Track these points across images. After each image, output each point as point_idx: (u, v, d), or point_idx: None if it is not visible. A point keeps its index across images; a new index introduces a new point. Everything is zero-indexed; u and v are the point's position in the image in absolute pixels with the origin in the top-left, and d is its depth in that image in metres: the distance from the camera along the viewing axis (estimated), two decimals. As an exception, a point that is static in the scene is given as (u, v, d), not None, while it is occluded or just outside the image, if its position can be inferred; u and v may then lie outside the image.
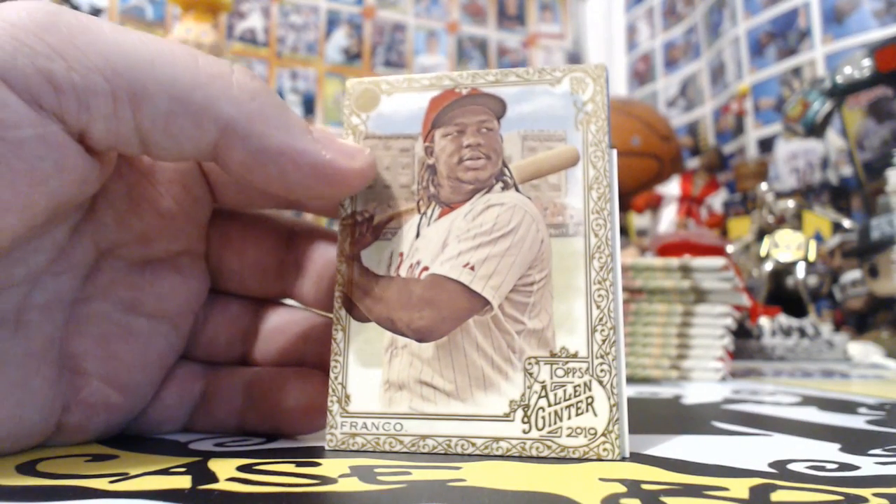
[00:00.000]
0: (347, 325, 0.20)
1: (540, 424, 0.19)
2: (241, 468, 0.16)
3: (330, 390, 0.20)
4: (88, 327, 0.19)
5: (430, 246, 0.20)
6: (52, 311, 0.18)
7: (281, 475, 0.16)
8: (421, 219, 0.21)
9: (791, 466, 0.17)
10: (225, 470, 0.16)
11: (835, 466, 0.17)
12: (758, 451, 0.20)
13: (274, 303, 0.23)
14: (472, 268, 0.20)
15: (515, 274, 0.19)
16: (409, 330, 0.20)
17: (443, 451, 0.19)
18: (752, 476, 0.16)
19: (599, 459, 0.18)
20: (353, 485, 0.15)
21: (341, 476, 0.16)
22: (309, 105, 1.81)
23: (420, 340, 0.20)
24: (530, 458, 0.18)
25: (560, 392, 0.19)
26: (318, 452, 0.19)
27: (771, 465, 0.17)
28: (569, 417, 0.18)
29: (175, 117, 0.17)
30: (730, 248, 1.00)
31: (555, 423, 0.18)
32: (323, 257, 0.22)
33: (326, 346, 0.21)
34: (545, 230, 0.20)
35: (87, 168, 0.17)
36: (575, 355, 0.19)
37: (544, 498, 0.14)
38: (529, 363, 0.19)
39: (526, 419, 0.19)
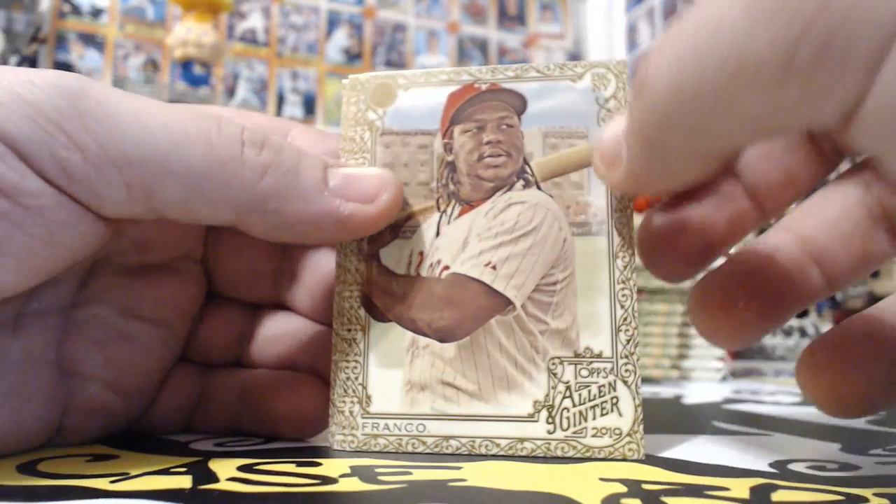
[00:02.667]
0: (367, 325, 0.20)
1: (565, 425, 0.18)
2: (241, 468, 0.16)
3: (350, 391, 0.20)
4: (86, 332, 0.19)
5: (450, 245, 0.20)
6: (50, 316, 0.19)
7: (281, 475, 0.16)
8: (441, 217, 0.20)
9: (792, 466, 0.17)
10: (225, 470, 0.16)
11: (835, 466, 0.17)
12: (758, 450, 0.20)
13: (270, 307, 0.23)
14: (494, 267, 0.19)
15: (538, 273, 0.19)
16: (430, 330, 0.20)
17: (467, 452, 0.19)
18: (752, 476, 0.16)
19: (625, 459, 0.18)
20: (354, 485, 0.15)
21: (342, 476, 0.16)
22: (309, 105, 1.81)
23: (441, 340, 0.19)
24: (555, 459, 0.18)
25: (585, 392, 0.19)
26: (319, 452, 0.19)
27: (771, 464, 0.17)
28: (594, 418, 0.18)
29: (189, 203, 0.17)
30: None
31: (580, 423, 0.18)
32: (318, 267, 0.22)
33: (320, 353, 0.20)
34: (568, 229, 0.19)
35: (102, 230, 0.17)
36: (599, 355, 0.19)
37: (544, 498, 0.14)
38: (553, 363, 0.19)
39: (550, 420, 0.19)
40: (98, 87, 0.16)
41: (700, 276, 0.19)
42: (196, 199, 0.17)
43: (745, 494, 0.14)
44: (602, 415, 0.18)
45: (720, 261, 0.19)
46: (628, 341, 0.19)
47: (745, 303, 0.18)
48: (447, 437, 0.19)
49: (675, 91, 0.13)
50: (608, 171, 0.17)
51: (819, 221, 0.18)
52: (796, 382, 0.18)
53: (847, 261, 0.18)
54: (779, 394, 0.38)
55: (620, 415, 0.18)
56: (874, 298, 0.88)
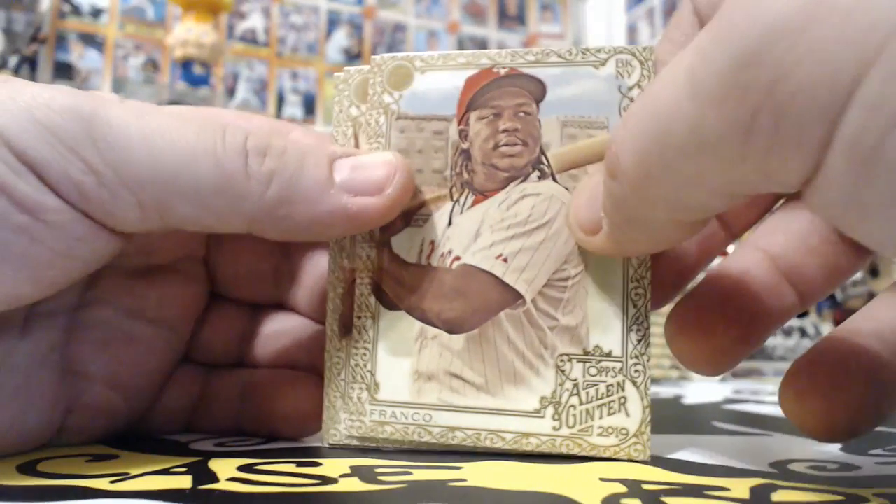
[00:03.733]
0: (377, 313, 0.20)
1: (571, 422, 0.18)
2: (241, 468, 0.16)
3: (359, 377, 0.20)
4: (91, 333, 0.20)
5: (462, 235, 0.20)
6: (55, 317, 0.19)
7: (281, 475, 0.16)
8: (454, 206, 0.20)
9: (792, 466, 0.17)
10: (225, 470, 0.16)
11: (835, 466, 0.17)
12: (758, 450, 0.20)
13: (271, 307, 0.23)
14: (505, 259, 0.19)
15: (550, 268, 0.19)
16: (439, 320, 0.19)
17: (472, 445, 0.19)
18: (752, 476, 0.16)
19: (630, 460, 0.18)
20: (354, 485, 0.15)
21: (342, 476, 0.16)
22: (309, 105, 1.81)
23: (450, 331, 0.19)
24: (559, 456, 0.18)
25: (592, 391, 0.18)
26: (319, 452, 0.19)
27: (772, 464, 0.17)
28: (600, 417, 0.18)
29: (200, 218, 0.17)
30: (730, 248, 1.00)
31: (586, 421, 0.18)
32: (317, 267, 0.22)
33: (320, 351, 0.20)
34: None
35: (117, 243, 0.17)
36: (609, 354, 0.18)
37: (545, 498, 0.14)
38: (562, 360, 0.19)
39: (556, 416, 0.18)
40: (109, 109, 0.17)
41: (674, 302, 0.19)
42: (208, 214, 0.17)
43: (745, 494, 0.14)
44: (609, 414, 0.18)
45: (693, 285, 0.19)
46: (639, 341, 0.18)
47: (723, 328, 0.18)
48: (453, 429, 0.19)
49: (644, 173, 0.14)
50: (588, 240, 0.17)
51: (787, 237, 0.18)
52: (782, 410, 0.18)
53: (817, 275, 0.18)
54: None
55: (628, 415, 0.18)
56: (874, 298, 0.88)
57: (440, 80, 0.20)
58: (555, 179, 0.19)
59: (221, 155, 0.17)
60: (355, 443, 0.20)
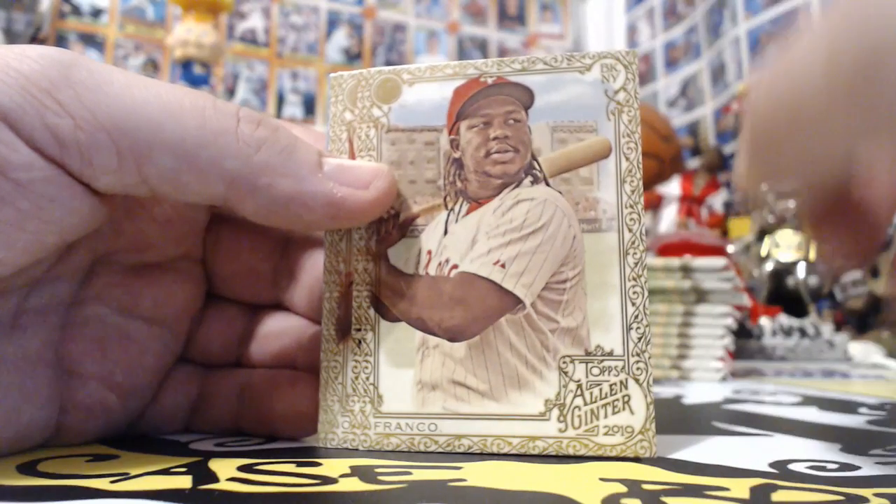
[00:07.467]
0: (377, 325, 0.20)
1: (576, 423, 0.18)
2: (241, 468, 0.16)
3: (361, 390, 0.20)
4: (85, 330, 0.19)
5: (458, 243, 0.20)
6: (48, 314, 0.19)
7: (281, 475, 0.16)
8: (448, 215, 0.20)
9: (792, 466, 0.17)
10: (225, 470, 0.16)
11: (835, 466, 0.17)
12: (758, 451, 0.20)
13: (268, 307, 0.23)
14: (503, 265, 0.19)
15: (547, 271, 0.19)
16: (440, 329, 0.19)
17: (479, 451, 0.19)
18: (752, 476, 0.16)
19: (637, 458, 0.18)
20: (354, 485, 0.15)
21: (342, 476, 0.16)
22: (309, 105, 1.81)
23: (452, 340, 0.19)
24: (567, 458, 0.18)
25: (596, 391, 0.18)
26: (319, 452, 0.19)
27: (771, 465, 0.17)
28: (605, 416, 0.18)
29: (180, 174, 0.17)
30: (730, 248, 1.00)
31: (591, 421, 0.18)
32: (315, 267, 0.22)
33: (318, 352, 0.21)
34: (577, 225, 0.19)
35: (94, 207, 0.17)
36: (610, 353, 0.19)
37: (545, 498, 0.14)
38: (564, 362, 0.19)
39: (562, 418, 0.18)
40: (91, 60, 0.16)
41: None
42: (187, 169, 0.17)
43: (745, 494, 0.14)
44: (614, 413, 0.18)
45: None
46: (640, 339, 0.19)
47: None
48: (459, 437, 0.19)
49: (774, 137, 0.16)
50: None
51: None
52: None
53: None
54: (779, 394, 0.38)
55: (632, 413, 0.18)
56: (874, 298, 0.88)
57: (428, 92, 0.21)
58: (548, 184, 0.20)
59: (211, 114, 0.17)
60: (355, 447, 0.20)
